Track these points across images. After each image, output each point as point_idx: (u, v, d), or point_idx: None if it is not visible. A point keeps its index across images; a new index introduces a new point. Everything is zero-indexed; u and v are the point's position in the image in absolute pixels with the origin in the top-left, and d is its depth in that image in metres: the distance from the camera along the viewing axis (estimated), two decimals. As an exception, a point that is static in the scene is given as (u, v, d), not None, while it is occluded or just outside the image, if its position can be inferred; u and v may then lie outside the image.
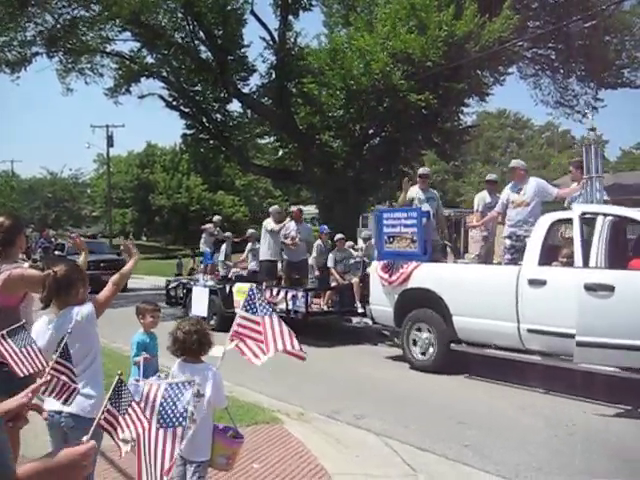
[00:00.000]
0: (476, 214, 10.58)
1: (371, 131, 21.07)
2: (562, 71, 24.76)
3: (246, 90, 23.46)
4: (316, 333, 11.80)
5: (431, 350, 9.08)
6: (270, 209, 14.26)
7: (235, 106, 24.93)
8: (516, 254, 8.90)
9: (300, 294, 11.80)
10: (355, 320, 12.09)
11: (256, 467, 5.25)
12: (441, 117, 19.51)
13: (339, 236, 13.24)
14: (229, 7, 21.96)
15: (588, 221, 7.65)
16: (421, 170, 11.12)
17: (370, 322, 11.04)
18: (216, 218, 17.13)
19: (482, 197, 10.63)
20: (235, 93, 22.85)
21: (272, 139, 25.89)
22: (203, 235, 15.96)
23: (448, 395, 7.96)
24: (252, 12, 22.35)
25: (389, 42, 17.59)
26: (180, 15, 22.19)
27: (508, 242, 9.19)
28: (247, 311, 4.13)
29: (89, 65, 23.17)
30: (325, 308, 12.40)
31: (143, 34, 22.07)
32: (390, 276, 9.60)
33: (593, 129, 8.93)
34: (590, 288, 6.96)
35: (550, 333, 7.47)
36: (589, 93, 25.25)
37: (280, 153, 25.59)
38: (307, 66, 20.13)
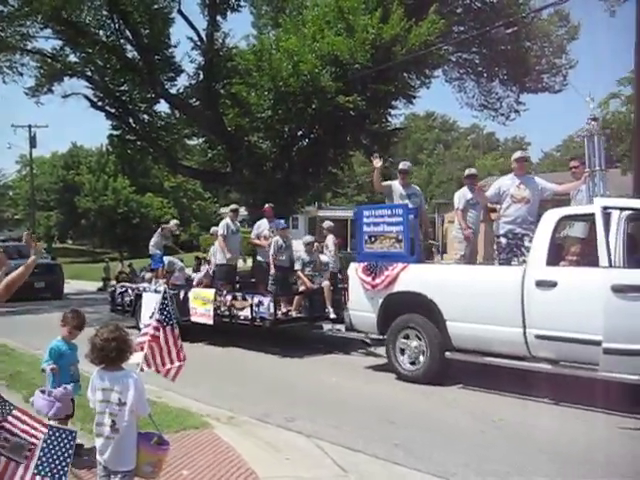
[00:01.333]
0: (457, 212, 9.64)
1: (300, 132, 21.09)
2: (486, 75, 25.43)
3: (174, 91, 23.20)
4: (284, 342, 11.72)
5: (422, 359, 8.30)
6: (229, 208, 13.56)
7: (163, 107, 24.64)
8: (511, 254, 8.47)
9: (267, 299, 10.99)
10: (327, 327, 11.11)
11: (185, 474, 5.17)
12: (369, 119, 19.69)
13: (308, 239, 12.25)
14: (156, 6, 21.65)
15: (606, 217, 6.94)
16: (401, 165, 10.21)
17: (343, 329, 10.26)
18: (173, 222, 16.31)
19: (462, 194, 9.78)
20: (163, 93, 22.52)
21: (201, 140, 25.63)
22: (155, 236, 14.78)
23: (380, 396, 7.97)
24: (179, 11, 22.12)
25: (317, 44, 17.69)
26: (105, 13, 21.75)
27: (504, 241, 8.60)
28: (162, 315, 4.27)
29: (7, 63, 22.43)
30: (294, 314, 11.39)
31: (66, 31, 21.50)
32: (373, 279, 8.81)
33: (595, 119, 8.16)
34: (619, 290, 6.32)
35: (563, 339, 6.83)
36: (511, 96, 26.04)
37: (209, 155, 25.32)
38: (235, 67, 20.03)
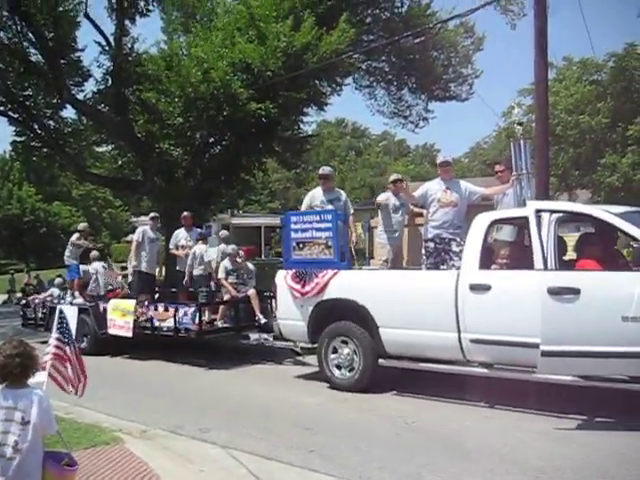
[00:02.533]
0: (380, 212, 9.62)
1: (211, 140, 20.92)
2: (395, 83, 25.96)
3: (81, 96, 22.54)
4: (210, 353, 11.46)
5: (355, 367, 8.15)
6: (149, 215, 13.10)
7: (70, 112, 23.89)
8: (439, 258, 8.44)
9: (191, 309, 10.70)
10: (254, 337, 11.00)
11: (95, 491, 5.04)
12: (281, 126, 19.76)
13: (233, 247, 11.86)
14: (61, 8, 20.99)
15: (538, 220, 6.95)
16: (320, 170, 10.00)
17: (271, 338, 10.22)
18: (82, 225, 15.48)
19: (386, 198, 9.77)
20: (69, 99, 21.83)
21: (110, 147, 25.02)
22: (69, 245, 14.15)
23: (302, 404, 7.93)
24: (86, 15, 21.50)
25: (228, 51, 17.61)
26: (6, 14, 20.90)
27: (431, 245, 8.54)
28: (60, 334, 4.23)
29: None
30: (219, 324, 11.20)
31: (-39, 32, 20.56)
32: (303, 286, 8.59)
33: (520, 123, 8.30)
34: (554, 292, 6.33)
35: (499, 342, 6.83)
36: (420, 104, 26.70)
37: (119, 162, 24.76)
38: (145, 73, 19.65)
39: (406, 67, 24.35)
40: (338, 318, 8.34)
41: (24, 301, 14.85)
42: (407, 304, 7.64)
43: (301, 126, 22.30)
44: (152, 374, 10.52)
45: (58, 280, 15.84)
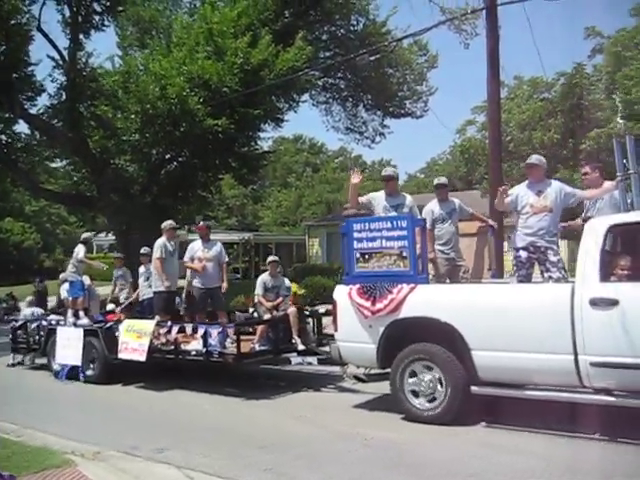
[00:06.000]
0: (428, 232, 8.41)
1: (168, 156, 20.84)
2: (351, 100, 26.30)
3: (34, 111, 22.20)
4: (241, 380, 10.25)
5: (439, 396, 6.97)
6: (163, 224, 11.32)
7: (23, 127, 23.52)
8: (531, 269, 7.68)
9: (227, 331, 9.41)
10: (295, 360, 9.70)
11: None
12: (238, 142, 19.79)
13: (272, 259, 10.72)
14: (13, 22, 20.68)
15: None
16: (383, 172, 8.94)
17: (315, 361, 9.27)
18: (87, 236, 13.80)
19: (430, 210, 8.87)
20: (22, 114, 21.50)
21: (64, 163, 24.67)
22: (74, 261, 12.43)
23: (255, 421, 7.82)
24: (39, 29, 21.23)
25: (186, 67, 17.60)
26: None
27: (524, 255, 7.64)
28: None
29: None
30: (257, 347, 9.77)
31: None
32: (373, 304, 7.40)
33: (623, 117, 7.52)
34: None
35: (628, 366, 5.88)
36: (376, 120, 27.07)
37: (74, 178, 24.42)
38: (100, 88, 19.52)
39: (362, 84, 24.72)
40: (417, 340, 7.20)
41: (14, 323, 13.05)
42: (508, 323, 6.56)
43: (258, 142, 22.39)
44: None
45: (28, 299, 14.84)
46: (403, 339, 7.24)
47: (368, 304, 7.45)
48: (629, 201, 7.02)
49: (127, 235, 20.73)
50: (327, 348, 9.20)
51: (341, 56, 22.40)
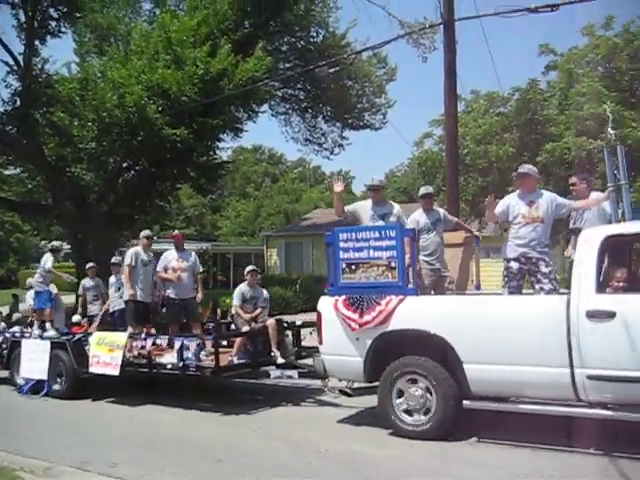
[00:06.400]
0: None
1: (125, 164, 20.65)
2: (310, 111, 26.43)
3: (-14, 117, 21.76)
4: (216, 395, 9.84)
5: (430, 411, 6.76)
6: (142, 234, 10.95)
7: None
8: (522, 280, 7.53)
9: (208, 343, 9.20)
10: (274, 374, 9.26)
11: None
12: (197, 152, 19.73)
13: (251, 268, 10.36)
14: (-35, 27, 20.35)
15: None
16: (422, 190, 8.91)
17: (295, 375, 8.97)
18: (57, 244, 12.57)
19: (415, 220, 8.66)
20: (-27, 120, 21.09)
21: (18, 170, 24.22)
22: (41, 271, 11.66)
23: (221, 436, 7.61)
24: (-7, 34, 20.88)
25: (145, 76, 17.50)
26: None
27: (515, 266, 7.49)
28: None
29: None
30: (235, 360, 9.38)
31: None
32: (361, 316, 7.16)
33: (615, 128, 7.36)
34: None
35: (627, 379, 5.77)
36: (335, 132, 27.25)
37: (29, 185, 23.99)
38: (56, 95, 19.24)
39: (321, 96, 24.89)
40: (406, 353, 7.00)
41: None
42: (502, 335, 6.38)
43: (216, 152, 22.35)
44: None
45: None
46: (392, 352, 7.03)
47: (355, 316, 7.22)
48: (620, 212, 7.01)
49: (83, 244, 20.45)
50: (306, 361, 9.15)
51: (301, 67, 22.50)
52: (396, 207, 8.51)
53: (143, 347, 9.56)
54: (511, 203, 7.65)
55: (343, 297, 7.37)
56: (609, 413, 5.94)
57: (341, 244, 7.53)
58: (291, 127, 27.49)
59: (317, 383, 8.77)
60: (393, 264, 7.15)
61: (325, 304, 7.59)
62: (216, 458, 6.62)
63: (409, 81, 75.89)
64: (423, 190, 9.04)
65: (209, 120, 18.20)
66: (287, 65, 24.46)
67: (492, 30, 67.49)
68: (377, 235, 7.32)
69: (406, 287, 7.12)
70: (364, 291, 7.24)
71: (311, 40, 23.81)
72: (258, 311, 9.96)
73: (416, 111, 72.73)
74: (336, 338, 7.43)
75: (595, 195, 7.78)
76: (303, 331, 10.21)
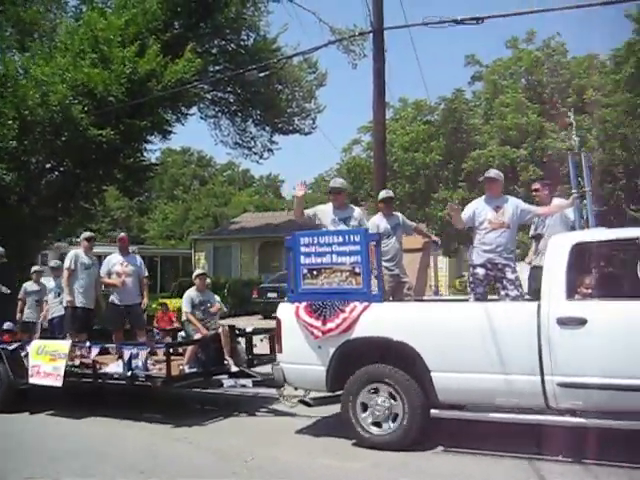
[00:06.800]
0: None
1: (49, 165, 20.03)
2: (240, 114, 26.32)
3: None
4: (166, 406, 9.26)
5: (396, 420, 6.57)
6: (83, 236, 10.54)
7: None
8: (488, 286, 7.47)
9: (159, 352, 8.74)
10: (228, 383, 8.84)
11: None
12: (123, 153, 19.34)
13: (200, 272, 10.00)
14: None
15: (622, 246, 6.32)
16: (332, 183, 8.58)
17: (250, 384, 8.61)
18: None
19: (375, 224, 8.45)
20: None
21: None
22: None
23: (155, 447, 7.28)
24: None
25: (69, 74, 17.06)
26: None
27: (481, 272, 7.41)
28: None
29: None
30: (186, 369, 8.95)
31: None
32: (324, 323, 6.89)
33: (578, 135, 7.35)
34: None
35: (598, 387, 5.69)
36: (265, 136, 27.22)
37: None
38: (-26, 91, 18.52)
39: (251, 99, 24.82)
40: (371, 361, 6.78)
41: None
42: (471, 343, 6.25)
43: (144, 154, 21.97)
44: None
45: None
46: (356, 361, 6.82)
47: (318, 323, 6.95)
48: (584, 218, 7.12)
49: (3, 246, 19.71)
50: (259, 369, 8.90)
51: (231, 70, 22.37)
52: (357, 210, 8.31)
53: (87, 356, 9.02)
54: (477, 208, 7.57)
55: (304, 304, 7.12)
56: (579, 420, 5.89)
57: (302, 249, 7.28)
58: (220, 130, 27.31)
59: (272, 392, 8.53)
60: (357, 270, 6.94)
61: (285, 311, 7.33)
62: (140, 469, 6.40)
63: (339, 87, 76.55)
64: (384, 194, 8.89)
65: (137, 121, 17.89)
66: (217, 68, 24.26)
67: (421, 40, 68.92)
68: (341, 240, 7.09)
69: (371, 293, 6.90)
70: (327, 297, 7.00)
71: (242, 43, 23.69)
72: (217, 307, 9.71)
73: (345, 117, 73.44)
74: (297, 346, 7.17)
75: (558, 202, 7.85)
76: (255, 338, 9.79)
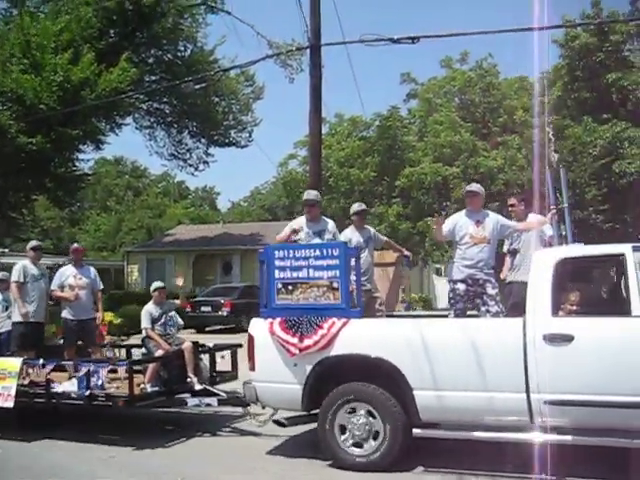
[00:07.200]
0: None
1: (-25, 173, 19.46)
2: (176, 126, 26.13)
3: None
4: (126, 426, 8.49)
5: (376, 441, 6.33)
6: (29, 245, 9.79)
7: None
8: (468, 302, 7.30)
9: (120, 369, 8.07)
10: (192, 402, 8.30)
11: None
12: (54, 162, 18.95)
13: (159, 285, 9.28)
14: None
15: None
16: (306, 195, 8.30)
17: (215, 402, 8.13)
18: None
19: (347, 238, 8.10)
20: None
21: None
22: None
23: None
24: None
25: (-2, 79, 16.66)
26: None
27: (461, 287, 7.26)
28: None
29: None
30: (148, 388, 8.36)
31: None
32: (301, 340, 6.63)
33: (556, 151, 7.38)
34: None
35: (586, 404, 5.64)
36: (201, 148, 27.08)
37: None
38: None
39: (187, 111, 24.68)
40: (349, 379, 6.51)
41: None
42: (454, 360, 6.11)
43: (76, 163, 21.57)
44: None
45: None
46: (334, 379, 6.53)
47: (295, 340, 6.63)
48: (563, 234, 7.09)
49: None
50: (222, 386, 8.51)
51: (167, 81, 22.20)
52: (330, 223, 8.11)
53: (39, 374, 8.30)
54: (458, 222, 7.42)
55: (279, 319, 6.81)
56: (565, 438, 5.76)
57: (277, 262, 6.98)
58: (156, 141, 27.03)
59: (238, 411, 8.15)
60: (335, 285, 6.68)
61: (258, 327, 6.98)
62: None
63: (276, 101, 76.72)
64: (356, 207, 8.60)
65: (69, 130, 17.58)
66: (153, 78, 24.06)
67: (359, 56, 69.80)
68: (318, 253, 6.81)
69: (350, 309, 6.66)
70: (302, 313, 6.71)
71: (179, 54, 23.58)
72: (177, 302, 9.43)
73: (282, 131, 73.54)
74: (271, 364, 6.85)
75: (534, 217, 7.80)
76: (218, 354, 9.22)
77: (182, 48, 23.73)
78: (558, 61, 21.89)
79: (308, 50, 13.35)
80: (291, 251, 6.96)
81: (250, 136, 26.98)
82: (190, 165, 27.72)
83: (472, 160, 22.45)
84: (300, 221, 8.01)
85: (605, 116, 20.92)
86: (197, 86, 20.40)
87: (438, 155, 23.11)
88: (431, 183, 22.26)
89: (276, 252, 7.01)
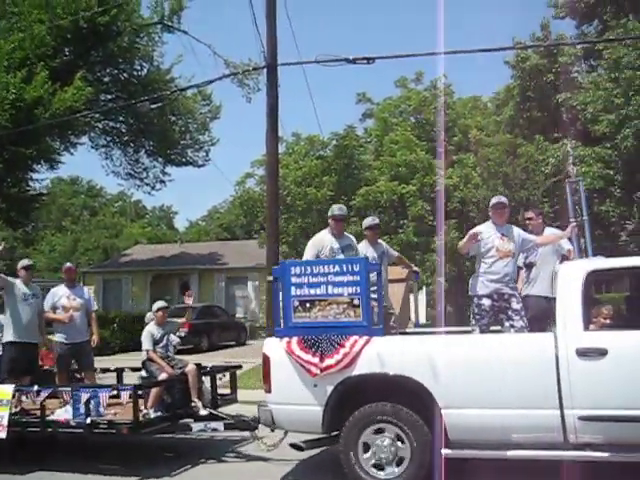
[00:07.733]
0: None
1: None
2: (132, 145, 25.96)
3: None
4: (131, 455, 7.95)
5: (401, 464, 6.09)
6: (21, 264, 9.09)
7: None
8: (493, 317, 7.12)
9: (124, 394, 7.46)
10: (197, 427, 7.91)
11: None
12: (7, 182, 18.65)
13: (162, 305, 8.82)
14: None
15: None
16: (335, 211, 7.82)
17: (221, 427, 7.76)
18: None
19: (360, 253, 7.74)
20: None
21: None
22: None
23: None
24: None
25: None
26: None
27: (487, 303, 7.09)
28: None
29: None
30: (152, 413, 7.94)
31: None
32: (321, 360, 6.33)
33: (575, 163, 7.27)
34: None
35: (622, 419, 5.53)
36: (157, 167, 26.94)
37: None
38: None
39: (144, 130, 24.56)
40: (373, 399, 6.27)
41: None
42: (484, 377, 5.93)
43: (30, 183, 21.26)
44: None
45: None
46: (356, 399, 6.29)
47: (315, 360, 6.35)
48: (583, 247, 7.02)
49: None
50: (224, 409, 8.20)
51: (123, 100, 22.10)
52: (353, 238, 7.84)
53: (34, 401, 7.80)
54: (484, 235, 7.20)
55: (296, 338, 6.52)
56: (600, 454, 5.61)
57: (293, 279, 6.68)
58: (112, 160, 26.82)
59: (244, 435, 7.88)
60: (356, 301, 6.43)
61: (274, 347, 6.67)
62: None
63: (233, 120, 76.73)
64: (369, 221, 8.24)
65: (22, 149, 17.36)
66: (109, 97, 23.92)
67: (315, 76, 70.21)
68: (337, 269, 6.55)
69: (372, 327, 6.41)
70: (321, 332, 6.44)
71: (135, 73, 23.50)
72: (180, 321, 9.24)
73: (239, 150, 73.64)
74: (288, 385, 6.54)
75: (552, 231, 7.82)
76: (219, 376, 8.86)
77: (138, 67, 23.68)
78: (510, 81, 22.36)
79: (265, 70, 13.43)
80: (308, 267, 6.70)
81: (207, 155, 26.98)
82: (147, 184, 27.56)
83: (428, 178, 22.76)
84: (323, 236, 7.69)
85: (556, 135, 21.44)
86: (153, 105, 20.27)
87: (394, 174, 23.34)
88: (387, 202, 22.45)
89: (292, 268, 6.73)
